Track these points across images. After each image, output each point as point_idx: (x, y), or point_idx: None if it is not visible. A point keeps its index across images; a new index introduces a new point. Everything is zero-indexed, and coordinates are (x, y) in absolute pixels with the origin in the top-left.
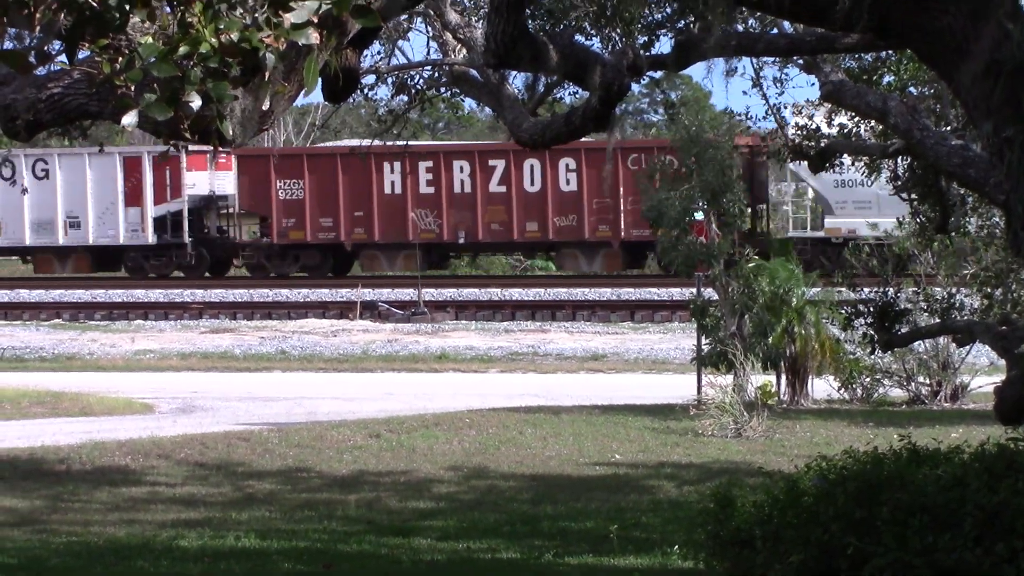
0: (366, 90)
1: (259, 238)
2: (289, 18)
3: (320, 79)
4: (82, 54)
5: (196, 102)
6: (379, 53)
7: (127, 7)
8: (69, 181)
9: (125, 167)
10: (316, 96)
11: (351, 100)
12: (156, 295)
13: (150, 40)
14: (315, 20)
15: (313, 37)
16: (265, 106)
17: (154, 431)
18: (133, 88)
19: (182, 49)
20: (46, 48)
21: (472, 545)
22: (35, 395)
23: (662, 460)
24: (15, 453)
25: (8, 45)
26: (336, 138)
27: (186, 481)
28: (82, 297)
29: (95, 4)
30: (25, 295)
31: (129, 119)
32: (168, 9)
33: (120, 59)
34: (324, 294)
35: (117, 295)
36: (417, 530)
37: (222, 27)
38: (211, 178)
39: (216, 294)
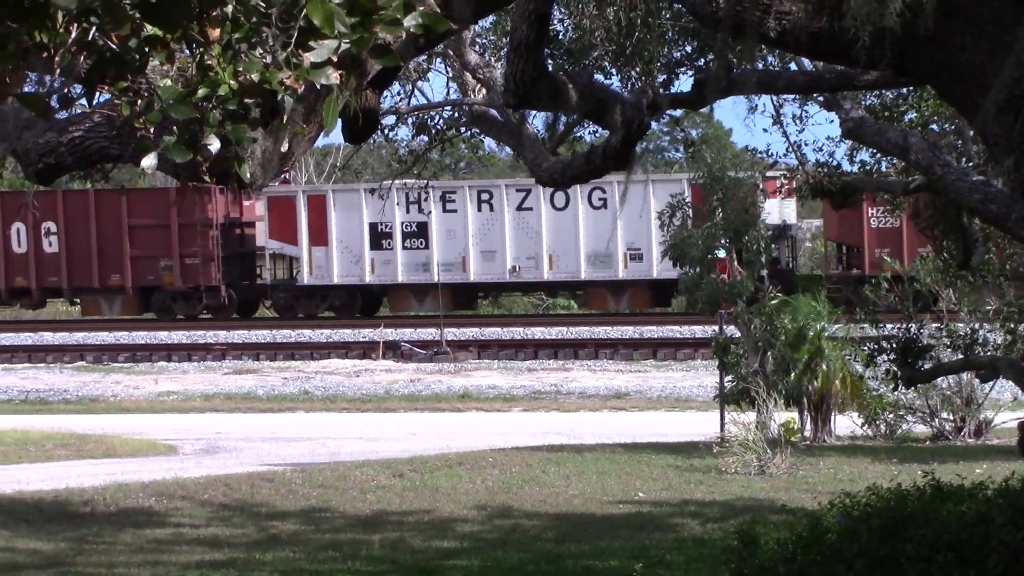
0: (386, 131)
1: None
2: (309, 57)
3: (340, 120)
4: (102, 97)
5: (215, 144)
6: (399, 94)
7: (146, 49)
8: None
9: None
10: (337, 137)
11: (372, 141)
12: (179, 336)
13: (169, 82)
14: (335, 60)
15: (333, 77)
16: (284, 147)
17: (178, 472)
18: (152, 130)
19: (201, 91)
20: (67, 92)
21: None
22: (59, 437)
23: (686, 498)
24: (40, 495)
25: (29, 89)
26: (357, 179)
27: (210, 522)
28: (105, 339)
29: (114, 46)
30: (49, 338)
31: (148, 161)
32: (187, 51)
33: (139, 101)
34: (347, 334)
35: (140, 337)
36: (441, 570)
37: (241, 68)
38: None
39: (239, 335)
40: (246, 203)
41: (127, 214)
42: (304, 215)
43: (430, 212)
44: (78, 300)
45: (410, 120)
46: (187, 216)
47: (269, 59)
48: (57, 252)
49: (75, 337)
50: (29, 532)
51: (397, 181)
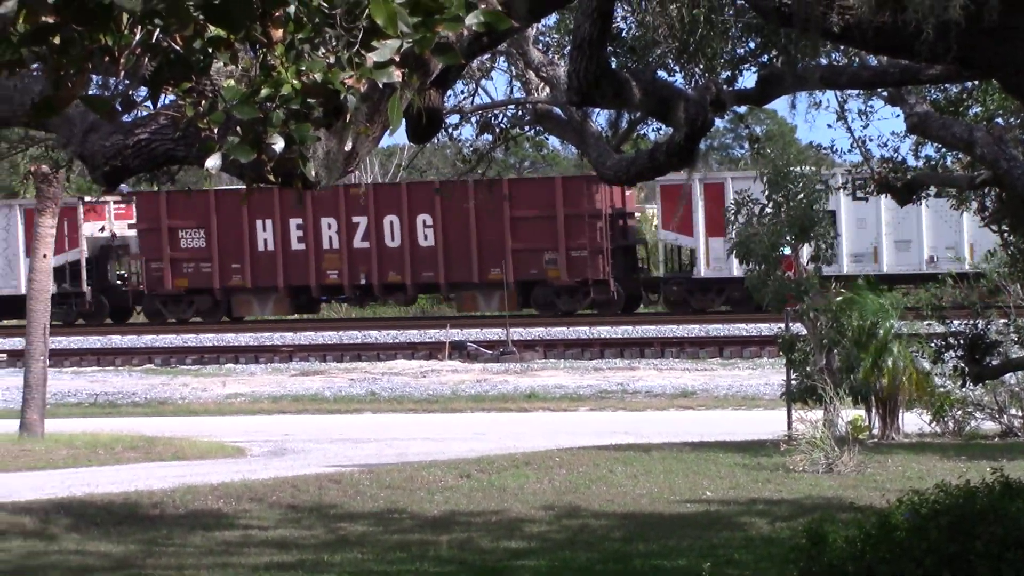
0: (450, 130)
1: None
2: (372, 57)
3: (404, 120)
4: (166, 99)
5: (279, 144)
6: (463, 92)
7: (210, 50)
8: None
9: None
10: (401, 137)
11: (436, 140)
12: (246, 338)
13: (232, 83)
14: (397, 59)
15: (396, 76)
16: (348, 146)
17: (246, 474)
18: (216, 131)
19: (264, 91)
20: (131, 94)
21: None
22: (128, 440)
23: (753, 496)
24: (109, 498)
25: (94, 91)
26: (422, 178)
27: (279, 524)
28: (173, 342)
29: (178, 48)
30: (117, 341)
31: (213, 162)
32: (251, 52)
33: (203, 102)
34: (413, 335)
35: (208, 339)
36: (510, 570)
37: (304, 68)
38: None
39: (306, 336)
40: (627, 192)
41: (510, 205)
42: (700, 204)
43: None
44: (453, 296)
45: (474, 119)
46: (574, 207)
47: (332, 59)
48: (433, 246)
49: (143, 340)
50: (99, 535)
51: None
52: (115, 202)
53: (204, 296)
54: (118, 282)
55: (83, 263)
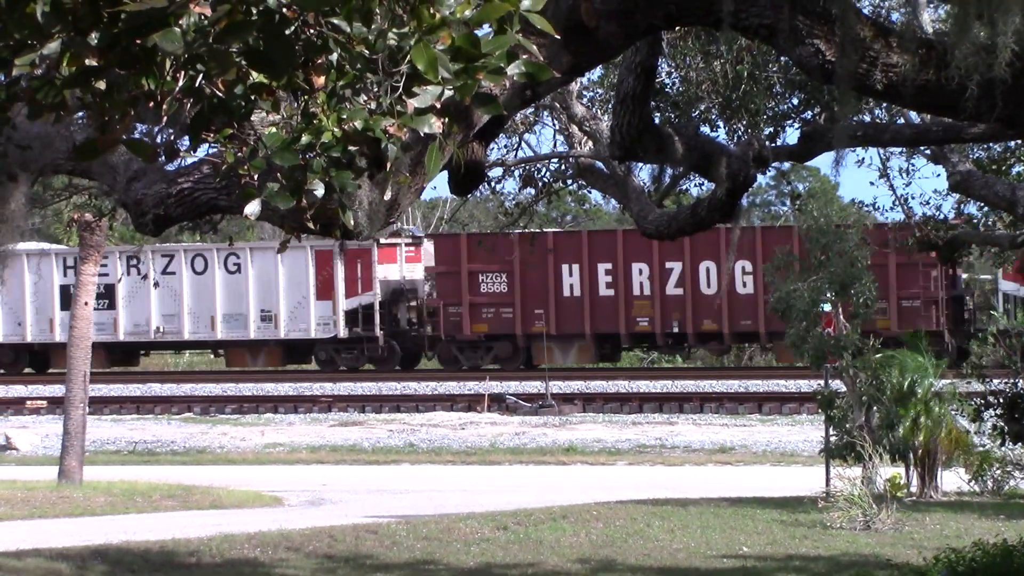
0: (493, 183)
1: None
2: (412, 103)
3: (446, 172)
4: (209, 149)
5: (319, 191)
6: (506, 146)
7: (252, 96)
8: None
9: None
10: (444, 189)
11: (478, 193)
12: (286, 388)
13: (273, 130)
14: (437, 106)
15: (436, 126)
16: (388, 196)
17: (283, 524)
18: (256, 178)
19: (305, 139)
20: (175, 143)
21: None
22: (166, 488)
23: (790, 553)
24: (146, 546)
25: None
26: (464, 231)
27: (315, 574)
28: (212, 391)
29: (220, 93)
30: (157, 389)
31: (252, 208)
32: (293, 99)
33: (244, 149)
34: (452, 387)
35: (247, 388)
36: None
37: (345, 116)
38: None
39: (345, 387)
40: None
41: None
42: None
43: None
44: (771, 345)
45: (517, 172)
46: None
47: (373, 105)
48: (752, 294)
49: (182, 389)
50: None
51: None
52: (406, 244)
53: (504, 342)
54: (408, 327)
55: (376, 307)
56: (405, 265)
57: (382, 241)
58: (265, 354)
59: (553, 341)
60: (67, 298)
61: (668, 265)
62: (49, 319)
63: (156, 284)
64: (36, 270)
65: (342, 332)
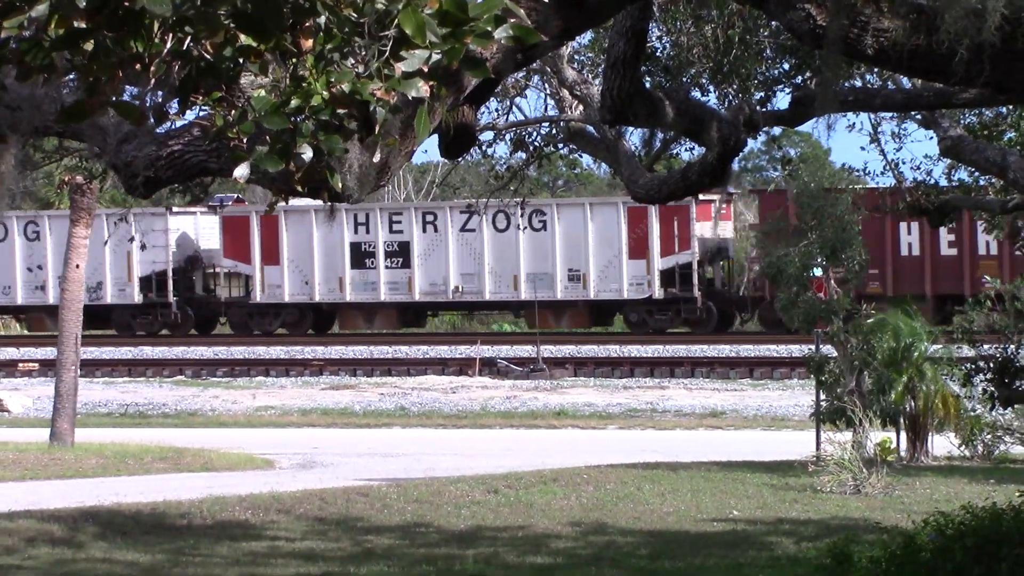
0: (484, 147)
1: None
2: (400, 67)
3: (437, 135)
4: (199, 111)
5: (307, 154)
6: (496, 110)
7: (240, 59)
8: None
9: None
10: (435, 153)
11: (469, 157)
12: (277, 352)
13: (262, 93)
14: (425, 70)
15: (423, 90)
16: (376, 158)
17: (274, 486)
18: (245, 141)
19: (294, 102)
20: (164, 106)
21: None
22: (158, 451)
23: (780, 516)
24: (138, 508)
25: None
26: (455, 195)
27: (306, 536)
28: (204, 354)
29: (209, 56)
30: (148, 352)
31: (241, 171)
32: (282, 62)
33: (233, 112)
34: (443, 351)
35: (239, 352)
36: None
37: (333, 79)
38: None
39: (336, 351)
40: None
41: None
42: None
43: None
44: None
45: (508, 136)
46: None
47: (361, 69)
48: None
49: (174, 351)
50: (127, 544)
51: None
52: (722, 201)
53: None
54: (721, 287)
55: (694, 266)
56: (719, 223)
57: (701, 197)
58: (570, 316)
59: (889, 303)
60: (358, 256)
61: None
62: (339, 278)
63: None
64: (326, 225)
65: (657, 293)
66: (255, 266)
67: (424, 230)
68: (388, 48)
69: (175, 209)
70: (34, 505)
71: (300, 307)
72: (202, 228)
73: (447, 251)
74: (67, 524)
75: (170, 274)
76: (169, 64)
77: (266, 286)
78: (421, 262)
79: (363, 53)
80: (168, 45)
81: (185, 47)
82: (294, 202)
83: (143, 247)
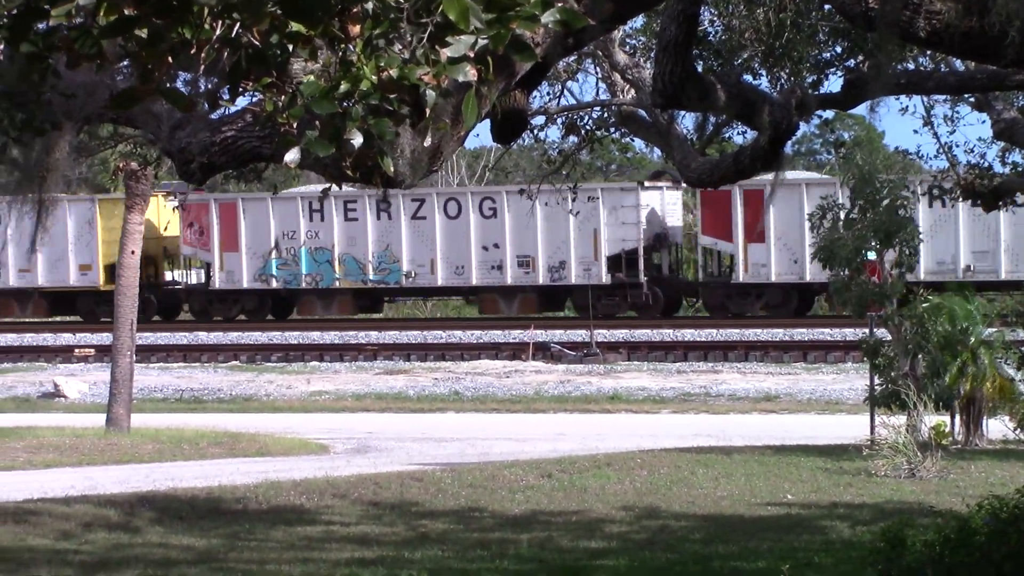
0: (536, 131)
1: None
2: (446, 53)
3: (488, 120)
4: (250, 97)
5: (357, 139)
6: (548, 94)
7: (288, 45)
8: None
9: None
10: (487, 138)
11: (522, 141)
12: (331, 337)
13: (312, 78)
14: (471, 55)
15: (471, 74)
16: (427, 143)
17: (329, 471)
18: (295, 126)
19: (343, 87)
20: (217, 92)
21: None
22: (213, 436)
23: (834, 500)
24: (193, 493)
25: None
26: (508, 180)
27: (360, 520)
28: (259, 339)
29: (257, 42)
30: (203, 337)
31: (291, 156)
32: (331, 48)
33: (283, 98)
34: (497, 335)
35: (293, 337)
36: (589, 570)
37: (382, 64)
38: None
39: (390, 336)
40: None
41: None
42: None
43: None
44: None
45: (559, 121)
46: None
47: (407, 55)
48: None
49: (229, 337)
50: (183, 528)
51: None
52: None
53: None
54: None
55: (639, 252)
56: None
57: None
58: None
59: None
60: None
61: None
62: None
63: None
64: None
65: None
66: (737, 244)
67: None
68: (433, 34)
69: (645, 184)
70: (91, 490)
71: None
72: (667, 204)
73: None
74: (123, 509)
75: (640, 253)
76: (218, 51)
77: (749, 265)
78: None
79: (410, 39)
80: (217, 32)
81: (234, 34)
82: None
83: (603, 228)
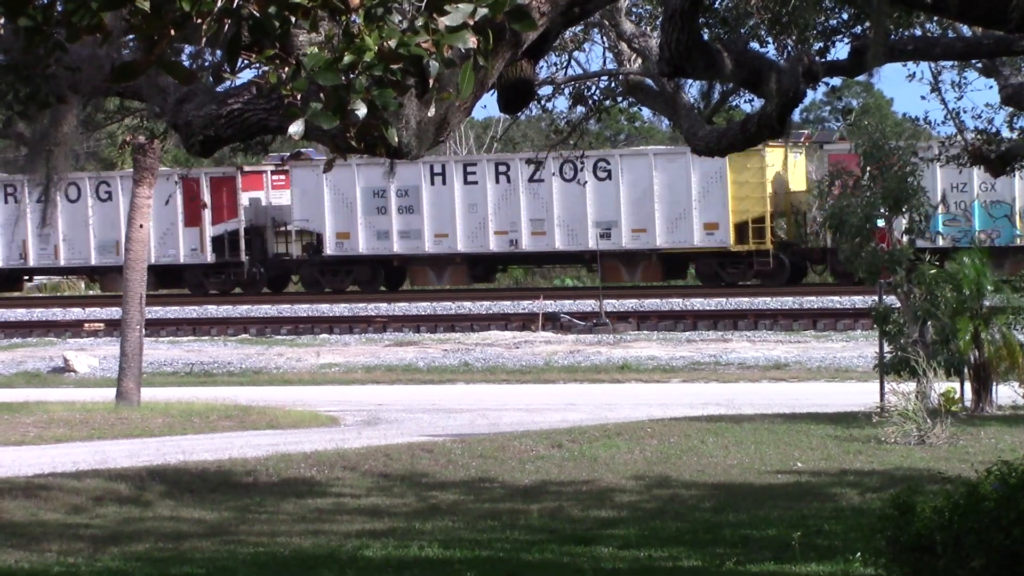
0: (543, 101)
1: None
2: (443, 21)
3: (495, 90)
4: (256, 70)
5: (361, 110)
6: (555, 64)
7: (288, 16)
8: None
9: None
10: (494, 109)
11: (529, 111)
12: (341, 309)
13: (315, 50)
14: (470, 23)
15: (471, 42)
16: (431, 113)
17: (339, 443)
18: (300, 98)
19: (347, 58)
20: (223, 66)
21: (654, 553)
22: (223, 409)
23: (844, 468)
24: (204, 466)
25: (186, 62)
26: (516, 150)
27: (370, 492)
28: (268, 312)
29: (256, 13)
30: (213, 311)
31: (295, 128)
32: (334, 19)
33: (287, 69)
34: (506, 306)
35: (303, 310)
36: (599, 539)
37: (384, 35)
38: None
39: (400, 307)
40: None
41: None
42: None
43: None
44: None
45: (567, 91)
46: None
47: (406, 24)
48: None
49: (239, 310)
50: (193, 501)
51: None
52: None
53: None
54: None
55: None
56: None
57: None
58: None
59: None
60: None
61: None
62: None
63: None
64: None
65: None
66: None
67: None
68: (431, 2)
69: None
70: (101, 464)
71: None
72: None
73: None
74: (134, 483)
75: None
76: (219, 22)
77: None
78: None
79: (407, 7)
80: (218, 4)
81: (235, 5)
82: None
83: None
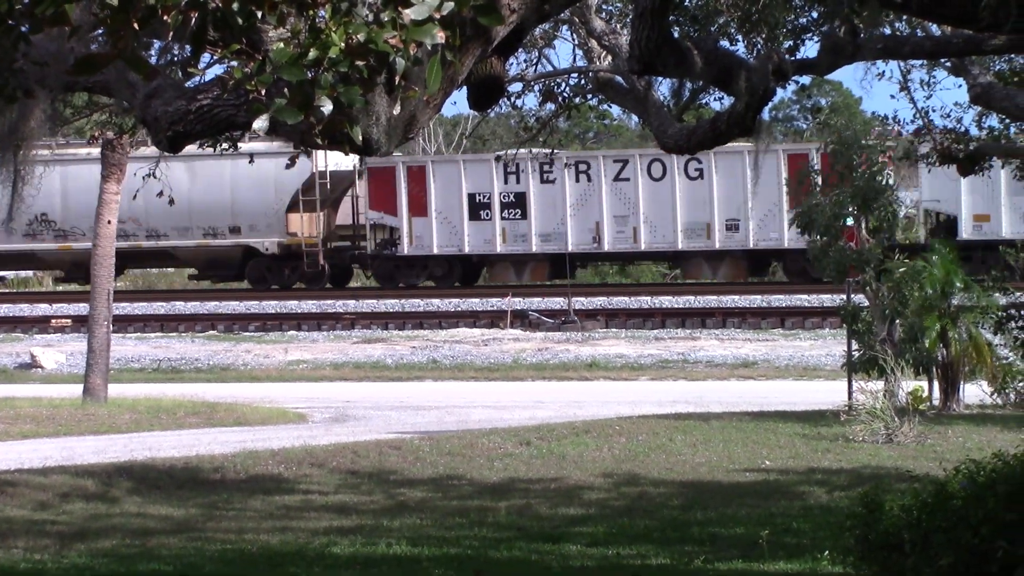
0: (512, 98)
1: None
2: (408, 14)
3: (465, 88)
4: (225, 66)
5: (327, 107)
6: (525, 61)
7: (252, 10)
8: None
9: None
10: (466, 107)
11: (499, 109)
12: (309, 306)
13: (281, 45)
14: (437, 17)
15: (439, 37)
16: (396, 110)
17: (307, 440)
18: (264, 93)
19: (312, 54)
20: (192, 60)
21: (622, 551)
22: (191, 406)
23: (812, 466)
24: (171, 462)
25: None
26: (485, 148)
27: (338, 489)
28: (236, 309)
29: (220, 6)
30: (181, 307)
31: (260, 123)
32: (301, 15)
33: (252, 64)
34: (474, 303)
35: (271, 306)
36: (567, 536)
37: (351, 31)
38: None
39: (368, 304)
40: None
41: None
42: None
43: None
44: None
45: (536, 88)
46: None
47: (371, 18)
48: None
49: (206, 307)
50: (161, 498)
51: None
52: None
53: None
54: None
55: None
56: None
57: None
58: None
59: None
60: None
61: None
62: None
63: None
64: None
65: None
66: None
67: None
68: None
69: None
70: (68, 460)
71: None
72: None
73: None
74: (101, 479)
75: None
76: (184, 15)
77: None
78: None
79: (372, 1)
80: None
81: None
82: None
83: None
